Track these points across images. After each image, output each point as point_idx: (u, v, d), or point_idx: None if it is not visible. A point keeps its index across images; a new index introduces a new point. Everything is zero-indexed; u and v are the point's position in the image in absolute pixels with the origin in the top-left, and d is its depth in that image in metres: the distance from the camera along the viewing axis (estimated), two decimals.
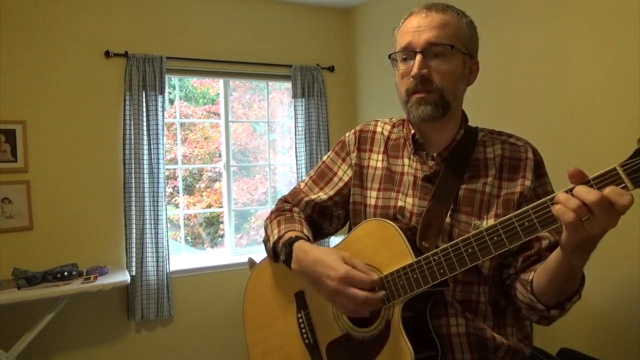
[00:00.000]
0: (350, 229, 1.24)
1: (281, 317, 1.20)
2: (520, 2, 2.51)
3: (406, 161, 1.15)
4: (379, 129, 1.23)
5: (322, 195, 1.24)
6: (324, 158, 1.29)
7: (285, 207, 1.27)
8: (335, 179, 1.24)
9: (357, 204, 1.20)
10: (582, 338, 2.24)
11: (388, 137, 1.20)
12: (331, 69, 3.84)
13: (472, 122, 1.19)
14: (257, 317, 1.25)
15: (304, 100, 3.66)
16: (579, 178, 0.78)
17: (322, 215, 1.26)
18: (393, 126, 1.22)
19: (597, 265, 2.12)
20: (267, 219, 1.27)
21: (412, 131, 1.13)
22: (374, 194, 1.16)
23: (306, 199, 1.25)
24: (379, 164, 1.18)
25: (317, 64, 3.74)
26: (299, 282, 1.16)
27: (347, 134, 1.27)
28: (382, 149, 1.19)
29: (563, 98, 2.31)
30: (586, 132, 2.21)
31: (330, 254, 1.03)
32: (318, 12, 3.84)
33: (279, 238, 1.14)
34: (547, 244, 1.02)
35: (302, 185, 1.30)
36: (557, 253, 0.87)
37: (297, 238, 1.11)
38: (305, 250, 1.07)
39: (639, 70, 1.99)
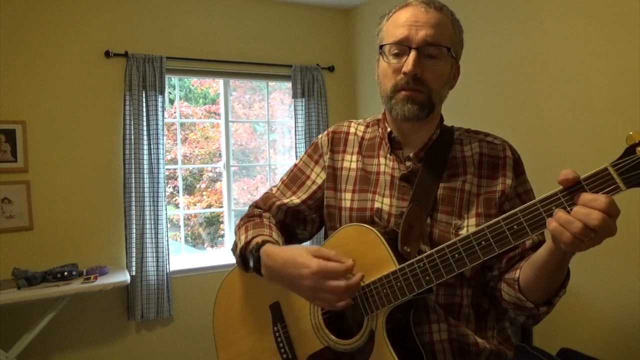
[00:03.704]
0: (325, 234, 1.18)
1: (256, 331, 1.12)
2: (514, 2, 2.51)
3: (382, 160, 1.10)
4: (352, 129, 1.18)
5: (295, 199, 1.18)
6: (297, 161, 1.24)
7: (254, 213, 1.21)
8: (308, 182, 1.19)
9: (331, 207, 1.14)
10: (582, 338, 2.24)
11: (362, 138, 1.16)
12: (331, 69, 3.84)
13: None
14: (229, 331, 1.18)
15: (304, 100, 3.66)
16: (571, 183, 0.76)
17: (295, 219, 1.20)
18: (367, 126, 1.18)
19: (597, 265, 2.13)
20: (236, 225, 1.21)
21: (389, 129, 1.09)
22: (348, 195, 1.11)
23: (278, 203, 1.19)
24: (353, 165, 1.13)
25: (317, 64, 3.74)
26: (273, 292, 1.10)
27: (319, 136, 1.22)
28: (356, 150, 1.15)
29: (557, 98, 2.31)
30: (580, 132, 2.21)
31: (297, 251, 0.96)
32: (318, 12, 3.84)
33: (246, 244, 1.08)
34: (530, 244, 0.99)
35: (274, 189, 1.24)
36: (546, 247, 0.85)
37: (264, 242, 1.04)
38: (272, 253, 1.00)
39: (632, 70, 1.99)
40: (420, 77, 0.98)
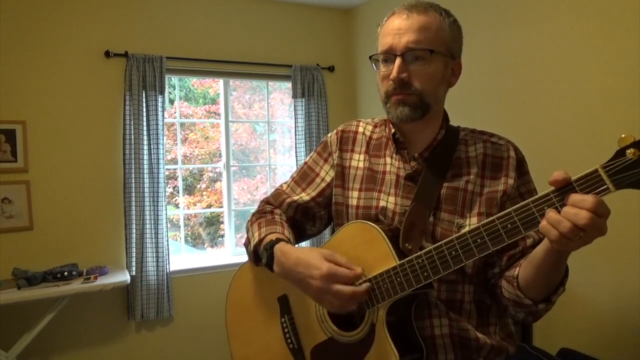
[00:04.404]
0: (333, 230, 1.22)
1: (265, 322, 1.18)
2: (513, 3, 2.51)
3: (388, 160, 1.14)
4: (360, 129, 1.23)
5: (305, 196, 1.23)
6: (306, 159, 1.29)
7: (266, 209, 1.25)
8: (318, 180, 1.23)
9: (339, 204, 1.19)
10: (582, 338, 2.24)
11: (370, 137, 1.20)
12: (331, 69, 3.84)
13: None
14: (240, 322, 1.24)
15: (304, 100, 3.66)
16: (561, 184, 0.79)
17: (305, 216, 1.25)
18: (375, 126, 1.22)
19: (597, 265, 2.13)
20: (248, 221, 1.26)
21: (393, 130, 1.13)
22: (355, 194, 1.16)
23: (288, 200, 1.24)
24: (361, 164, 1.17)
25: (317, 64, 3.74)
26: (281, 285, 1.15)
27: (329, 135, 1.26)
28: (363, 149, 1.19)
29: (556, 98, 2.31)
30: (579, 131, 2.21)
31: (311, 253, 1.02)
32: (318, 12, 3.84)
33: (260, 241, 1.13)
34: (531, 242, 1.01)
35: (285, 186, 1.29)
36: (543, 245, 0.88)
37: (278, 240, 1.09)
38: (285, 251, 1.06)
39: (632, 71, 1.99)
40: (408, 80, 1.03)
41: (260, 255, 1.12)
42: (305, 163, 1.28)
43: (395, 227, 1.06)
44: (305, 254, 1.02)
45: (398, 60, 1.02)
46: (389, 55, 1.05)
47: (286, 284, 1.11)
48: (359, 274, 0.97)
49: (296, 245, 1.17)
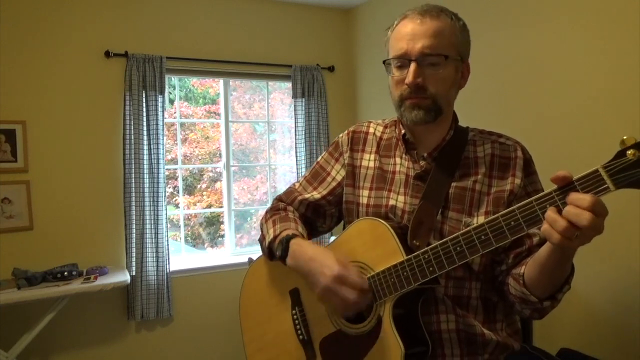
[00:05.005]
0: (344, 228, 1.26)
1: (276, 314, 1.23)
2: (514, 3, 2.51)
3: (398, 160, 1.17)
4: (371, 129, 1.26)
5: (316, 195, 1.27)
6: (318, 159, 1.33)
7: (279, 207, 1.30)
8: (329, 179, 1.27)
9: (349, 203, 1.22)
10: (582, 338, 2.24)
11: (380, 138, 1.23)
12: (331, 69, 3.84)
13: (468, 123, 1.19)
14: (253, 314, 1.28)
15: (304, 100, 3.66)
16: (563, 182, 0.81)
17: (316, 213, 1.29)
18: (385, 127, 1.25)
19: (597, 265, 2.13)
20: (262, 218, 1.31)
21: (403, 131, 1.16)
22: (365, 192, 1.19)
23: (300, 197, 1.28)
24: (371, 164, 1.21)
25: (317, 64, 3.74)
26: (293, 279, 1.19)
27: (340, 135, 1.29)
28: (374, 149, 1.22)
29: (558, 98, 2.31)
30: (580, 132, 2.21)
31: (326, 253, 1.06)
32: (318, 12, 3.84)
33: (275, 237, 1.17)
34: (537, 240, 1.03)
35: (297, 185, 1.33)
36: (547, 244, 0.90)
37: (294, 235, 1.14)
38: (301, 246, 1.10)
39: (633, 71, 1.99)
40: (422, 85, 1.05)
41: (275, 250, 1.16)
42: (317, 163, 1.32)
43: (404, 224, 1.09)
44: (321, 253, 1.06)
45: (413, 65, 1.04)
46: (403, 60, 1.06)
47: (298, 278, 1.15)
48: (366, 286, 1.01)
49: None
